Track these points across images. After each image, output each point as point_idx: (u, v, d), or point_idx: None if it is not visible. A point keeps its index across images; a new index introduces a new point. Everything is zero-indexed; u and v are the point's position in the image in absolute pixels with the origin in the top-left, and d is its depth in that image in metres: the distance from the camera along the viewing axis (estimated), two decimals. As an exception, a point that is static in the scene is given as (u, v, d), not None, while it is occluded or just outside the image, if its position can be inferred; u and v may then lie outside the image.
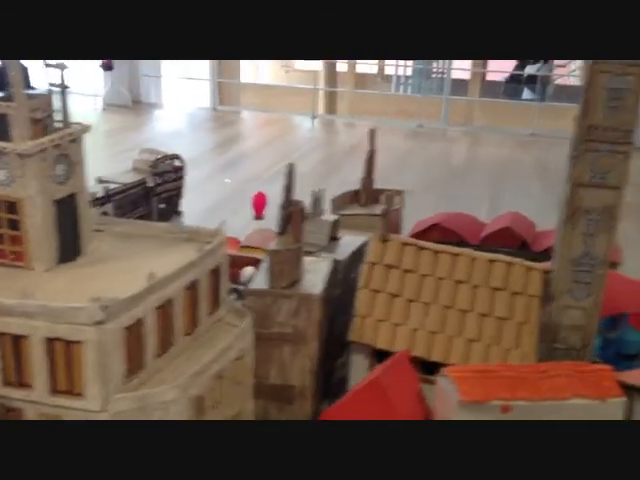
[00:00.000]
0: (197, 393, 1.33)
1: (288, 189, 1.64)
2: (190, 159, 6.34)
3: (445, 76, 10.69)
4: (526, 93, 12.25)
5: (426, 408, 1.44)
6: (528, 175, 6.31)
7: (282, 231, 1.64)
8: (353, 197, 2.44)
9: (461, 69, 11.97)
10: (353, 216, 2.27)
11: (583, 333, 1.65)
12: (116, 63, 8.04)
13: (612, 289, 1.89)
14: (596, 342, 1.87)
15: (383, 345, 1.63)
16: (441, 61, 10.59)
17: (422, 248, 1.75)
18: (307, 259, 1.78)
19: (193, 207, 4.56)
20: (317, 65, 9.81)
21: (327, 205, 2.49)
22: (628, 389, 1.37)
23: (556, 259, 1.64)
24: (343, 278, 1.88)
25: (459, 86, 11.68)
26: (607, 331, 1.95)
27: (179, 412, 1.28)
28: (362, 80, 11.75)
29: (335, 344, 1.79)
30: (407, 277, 1.71)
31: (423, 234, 2.38)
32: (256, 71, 12.89)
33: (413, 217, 2.84)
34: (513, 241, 2.29)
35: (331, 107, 9.85)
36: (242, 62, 10.61)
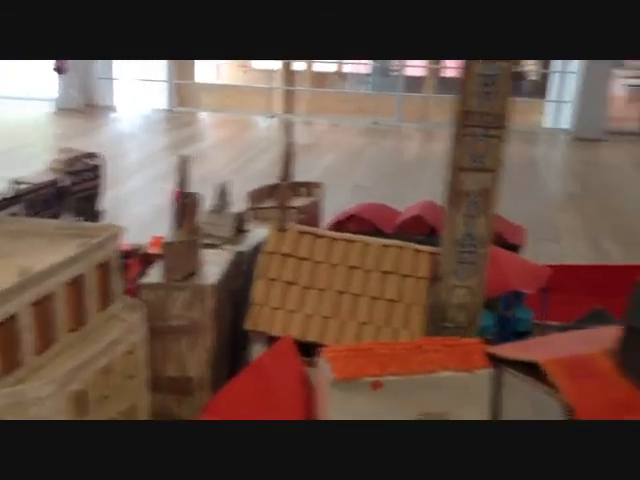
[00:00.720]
0: (78, 388, 1.36)
1: (182, 182, 1.68)
2: (141, 160, 6.36)
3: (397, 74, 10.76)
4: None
5: (309, 389, 1.49)
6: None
7: (178, 224, 1.68)
8: (271, 190, 2.48)
9: (416, 66, 12.09)
10: (268, 209, 2.31)
11: (469, 311, 1.71)
12: (69, 66, 7.98)
13: (508, 269, 1.97)
14: (493, 321, 1.95)
15: (278, 332, 1.68)
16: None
17: (318, 236, 1.80)
18: (208, 251, 1.82)
19: (141, 209, 4.57)
20: (274, 64, 9.84)
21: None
22: (498, 361, 1.43)
23: (442, 241, 1.70)
24: (248, 269, 1.92)
25: (415, 83, 11.79)
26: (504, 310, 2.02)
27: (56, 407, 1.30)
28: (320, 79, 11.85)
29: (242, 335, 1.83)
30: (303, 265, 1.75)
31: (340, 225, 2.43)
32: (216, 72, 12.89)
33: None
34: (424, 228, 2.35)
35: (289, 106, 9.89)
36: (200, 63, 10.61)
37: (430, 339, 1.52)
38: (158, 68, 9.04)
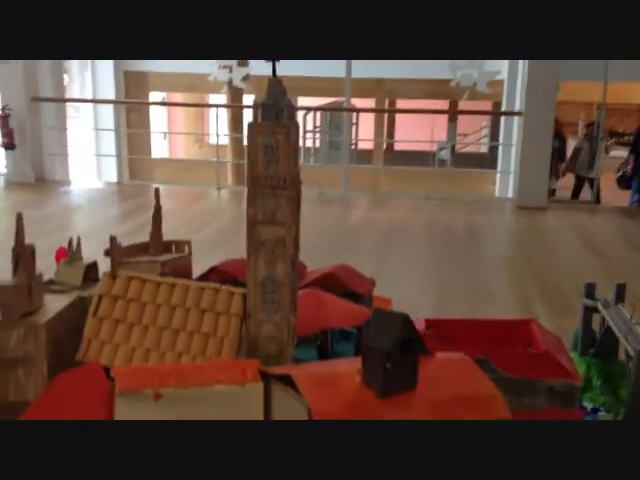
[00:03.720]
0: None
1: (18, 236, 1.97)
2: (88, 231, 6.64)
3: (352, 147, 11.21)
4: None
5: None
6: (417, 234, 6.87)
7: (15, 271, 1.96)
8: (144, 248, 2.76)
9: (366, 140, 12.68)
10: (135, 263, 2.59)
11: (278, 342, 1.98)
12: (18, 142, 8.36)
13: (329, 310, 2.26)
14: (313, 355, 2.22)
15: (104, 362, 1.94)
16: (349, 133, 11.14)
17: (145, 281, 2.09)
18: (54, 296, 2.10)
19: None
20: (225, 139, 10.30)
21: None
22: (267, 377, 1.71)
23: (247, 284, 1.99)
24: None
25: (366, 156, 12.32)
26: (329, 345, 2.30)
27: None
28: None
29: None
30: (130, 305, 2.04)
31: (204, 277, 2.72)
32: (175, 147, 13.40)
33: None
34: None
35: (239, 178, 10.32)
36: (156, 138, 11.09)
37: (209, 361, 1.79)
38: (111, 143, 9.47)
